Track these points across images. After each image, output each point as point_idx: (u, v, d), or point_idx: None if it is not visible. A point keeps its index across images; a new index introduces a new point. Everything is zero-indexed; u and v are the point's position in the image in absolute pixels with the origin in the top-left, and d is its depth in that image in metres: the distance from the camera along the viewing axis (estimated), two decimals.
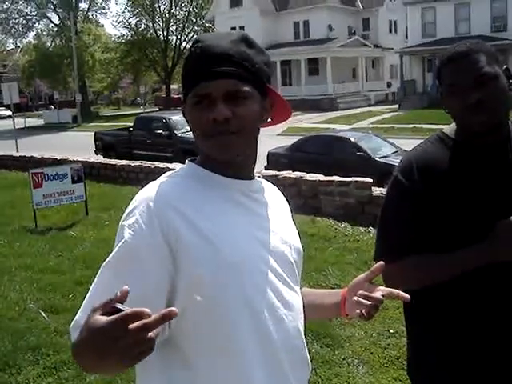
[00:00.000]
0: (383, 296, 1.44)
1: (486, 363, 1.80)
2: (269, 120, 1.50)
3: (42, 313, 5.36)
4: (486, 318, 1.77)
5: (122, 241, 1.30)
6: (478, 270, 1.71)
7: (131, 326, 0.97)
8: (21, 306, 5.57)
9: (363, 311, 1.42)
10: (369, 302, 1.42)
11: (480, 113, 1.70)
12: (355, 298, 1.45)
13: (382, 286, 1.92)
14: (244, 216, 1.42)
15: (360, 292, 1.46)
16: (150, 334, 0.98)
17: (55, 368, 4.33)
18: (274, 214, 1.49)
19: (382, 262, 1.49)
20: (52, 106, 58.37)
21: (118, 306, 1.00)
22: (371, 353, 4.32)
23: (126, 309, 0.99)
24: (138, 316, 0.98)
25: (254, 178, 1.49)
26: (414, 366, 1.98)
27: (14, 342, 4.74)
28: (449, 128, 1.91)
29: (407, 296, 1.44)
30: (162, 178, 1.43)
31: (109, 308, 1.01)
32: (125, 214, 1.35)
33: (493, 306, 1.77)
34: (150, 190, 1.37)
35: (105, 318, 0.99)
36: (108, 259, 1.33)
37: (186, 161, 1.51)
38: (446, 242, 1.77)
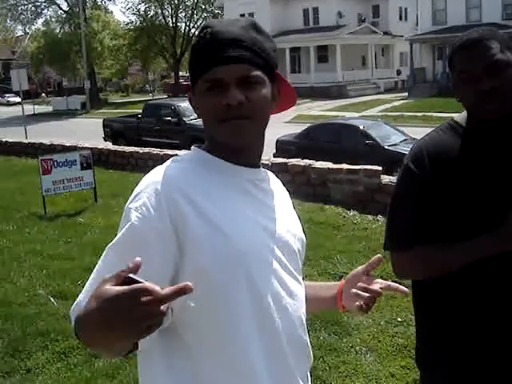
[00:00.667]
0: (381, 289, 1.45)
1: (494, 353, 1.79)
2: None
3: (51, 299, 5.39)
4: (494, 309, 1.77)
5: (129, 223, 1.29)
6: (488, 260, 1.71)
7: (144, 298, 0.95)
8: (30, 292, 5.61)
9: (362, 303, 1.43)
10: (368, 295, 1.43)
11: (492, 100, 1.69)
12: (354, 291, 1.46)
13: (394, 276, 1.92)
14: (251, 204, 1.41)
15: (359, 284, 1.48)
16: (161, 307, 0.97)
17: (64, 353, 4.36)
18: (279, 204, 1.49)
19: (379, 256, 1.52)
20: (43, 94, 58.52)
21: (132, 276, 0.99)
22: (379, 341, 4.32)
23: (140, 280, 0.98)
24: (151, 290, 0.96)
25: (260, 166, 1.49)
26: (422, 355, 1.98)
27: (23, 328, 4.77)
28: (460, 116, 1.89)
29: (406, 290, 1.45)
30: (169, 162, 1.41)
31: (120, 279, 0.99)
32: (131, 197, 1.34)
33: (501, 297, 1.76)
34: (158, 173, 1.35)
35: (117, 288, 0.98)
36: (113, 241, 1.32)
37: (192, 147, 1.50)
38: (456, 230, 1.76)
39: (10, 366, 4.22)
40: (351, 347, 4.22)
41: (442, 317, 1.86)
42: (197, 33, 1.41)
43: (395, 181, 7.11)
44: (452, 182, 1.76)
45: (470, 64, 1.72)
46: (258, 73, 1.35)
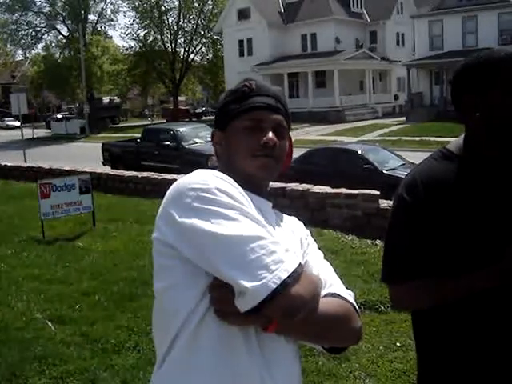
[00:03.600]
0: None
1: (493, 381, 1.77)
2: None
3: (49, 323, 5.36)
4: (494, 339, 1.74)
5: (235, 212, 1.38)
6: (488, 291, 1.69)
7: None
8: (28, 316, 5.57)
9: None
10: None
11: None
12: None
13: (391, 305, 1.92)
14: None
15: None
16: None
17: (61, 378, 4.33)
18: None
19: None
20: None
21: None
22: (378, 366, 4.30)
23: None
24: None
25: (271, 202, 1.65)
26: (423, 382, 1.96)
27: (20, 352, 4.73)
28: (453, 145, 1.87)
29: None
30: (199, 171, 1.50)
31: None
32: (193, 195, 1.40)
33: (501, 328, 1.73)
34: (206, 175, 1.46)
35: None
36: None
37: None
38: (454, 261, 1.73)
39: None
40: (350, 372, 4.20)
41: (441, 346, 1.83)
42: (240, 83, 1.64)
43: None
44: (447, 211, 1.73)
45: None
46: (286, 126, 1.62)
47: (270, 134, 1.54)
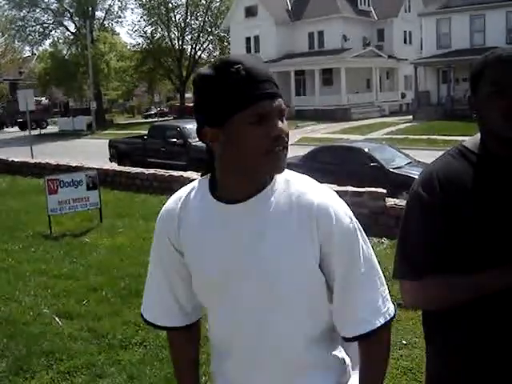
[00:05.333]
0: None
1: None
2: None
3: (56, 318, 5.39)
4: (505, 342, 1.71)
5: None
6: (501, 292, 1.66)
7: None
8: (35, 311, 5.60)
9: None
10: None
11: None
12: None
13: (398, 304, 1.91)
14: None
15: None
16: None
17: (69, 373, 4.35)
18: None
19: None
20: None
21: None
22: None
23: None
24: None
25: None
26: (431, 381, 1.95)
27: (27, 347, 4.76)
28: (469, 142, 1.84)
29: None
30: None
31: None
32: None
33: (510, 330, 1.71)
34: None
35: None
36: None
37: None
38: (469, 260, 1.71)
39: None
40: None
41: (449, 347, 1.82)
42: (221, 68, 1.45)
43: (400, 204, 7.15)
44: (463, 210, 1.71)
45: (506, 77, 1.65)
46: (284, 106, 1.48)
47: (280, 124, 1.45)
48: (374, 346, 1.58)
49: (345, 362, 1.68)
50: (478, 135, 1.82)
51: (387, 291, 1.58)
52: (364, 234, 1.56)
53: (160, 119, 48.04)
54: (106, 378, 4.24)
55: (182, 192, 1.66)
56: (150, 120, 51.07)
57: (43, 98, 56.43)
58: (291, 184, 1.56)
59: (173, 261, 1.66)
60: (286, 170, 1.55)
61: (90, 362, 4.49)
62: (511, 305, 1.68)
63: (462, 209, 1.71)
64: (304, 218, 1.50)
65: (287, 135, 1.47)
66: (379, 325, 1.54)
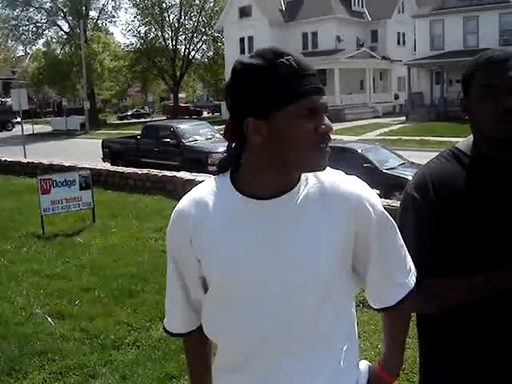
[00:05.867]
0: None
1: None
2: None
3: (49, 318, 5.38)
4: (498, 344, 1.72)
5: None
6: (499, 294, 1.66)
7: None
8: (27, 311, 5.59)
9: None
10: None
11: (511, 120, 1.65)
12: None
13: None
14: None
15: None
16: None
17: (61, 373, 4.35)
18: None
19: None
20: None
21: None
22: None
23: None
24: None
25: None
26: (425, 379, 1.95)
27: (20, 347, 4.76)
28: (462, 144, 1.84)
29: None
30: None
31: None
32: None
33: (506, 333, 1.71)
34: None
35: None
36: None
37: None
38: (464, 263, 1.70)
39: None
40: None
41: (443, 348, 1.82)
42: (271, 58, 1.40)
43: (393, 204, 7.12)
44: (457, 213, 1.71)
45: (495, 79, 1.66)
46: None
47: (327, 121, 1.42)
48: (403, 310, 1.66)
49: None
50: (471, 137, 1.83)
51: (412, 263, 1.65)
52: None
53: (136, 120, 47.73)
54: (99, 378, 4.24)
55: (198, 191, 1.56)
56: (137, 121, 50.94)
57: (9, 99, 53.85)
58: (320, 176, 1.52)
59: (189, 265, 1.57)
60: None
61: (83, 362, 4.49)
62: (509, 306, 1.69)
63: (456, 211, 1.71)
64: (342, 209, 1.49)
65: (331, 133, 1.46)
66: (413, 284, 1.61)
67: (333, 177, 1.53)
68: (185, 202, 1.54)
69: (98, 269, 6.91)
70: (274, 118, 1.39)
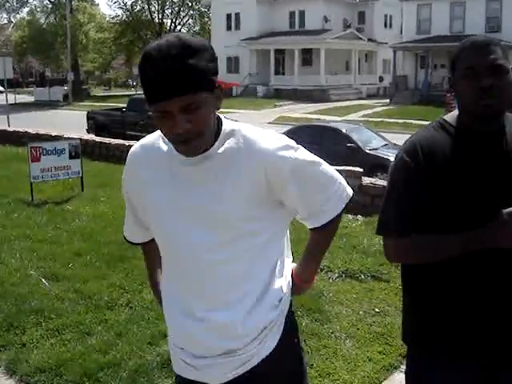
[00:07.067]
0: None
1: (476, 330, 1.97)
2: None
3: (43, 280, 5.55)
4: (476, 298, 1.94)
5: None
6: (474, 254, 1.88)
7: None
8: (22, 273, 5.74)
9: None
10: None
11: (490, 96, 1.88)
12: None
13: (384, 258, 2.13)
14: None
15: None
16: None
17: (57, 330, 4.53)
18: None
19: None
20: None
21: None
22: (358, 328, 4.57)
23: None
24: None
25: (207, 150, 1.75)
26: (410, 333, 2.15)
27: (16, 306, 4.92)
28: (449, 116, 2.07)
29: None
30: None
31: None
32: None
33: (484, 288, 1.93)
34: None
35: None
36: None
37: None
38: (446, 224, 1.92)
39: (5, 340, 4.39)
40: (331, 333, 4.47)
41: (427, 299, 2.03)
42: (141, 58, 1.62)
43: (376, 183, 7.47)
44: (442, 178, 1.93)
45: (477, 61, 1.90)
46: (197, 97, 1.59)
47: (178, 122, 1.61)
48: (332, 226, 1.97)
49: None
50: (457, 111, 2.07)
51: (342, 179, 1.94)
52: (310, 156, 1.87)
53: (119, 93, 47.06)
54: (94, 335, 4.44)
55: (148, 138, 1.90)
56: (120, 94, 50.54)
57: None
58: (242, 134, 1.77)
59: (132, 199, 1.99)
60: (231, 120, 1.84)
61: (78, 320, 4.68)
62: (486, 262, 1.91)
63: (442, 174, 1.94)
64: (251, 162, 1.74)
65: (195, 126, 1.63)
66: (342, 208, 1.94)
67: (253, 135, 1.78)
68: (136, 145, 1.93)
69: (88, 235, 7.08)
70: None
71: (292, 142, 1.82)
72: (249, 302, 1.81)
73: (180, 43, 1.56)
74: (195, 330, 1.82)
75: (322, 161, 1.89)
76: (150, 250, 2.16)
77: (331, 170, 1.91)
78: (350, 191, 1.95)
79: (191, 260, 1.80)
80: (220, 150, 1.75)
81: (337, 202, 1.91)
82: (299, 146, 1.84)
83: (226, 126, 1.78)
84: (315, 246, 2.06)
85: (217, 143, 1.75)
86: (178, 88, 1.55)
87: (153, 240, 2.02)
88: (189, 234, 1.78)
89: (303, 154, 1.83)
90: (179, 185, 1.78)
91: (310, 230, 1.99)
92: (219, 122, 1.77)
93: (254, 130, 1.80)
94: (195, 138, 1.63)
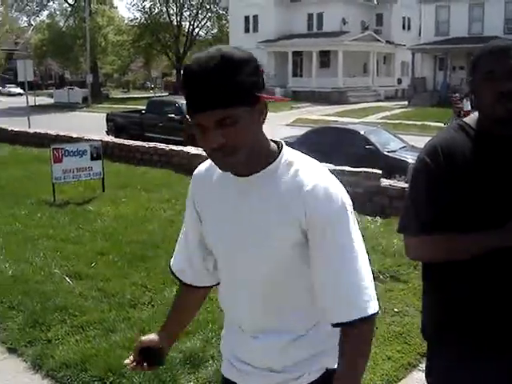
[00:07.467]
0: None
1: (499, 328, 2.01)
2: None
3: (67, 278, 5.66)
4: (504, 295, 1.98)
5: None
6: (494, 254, 1.93)
7: None
8: (46, 272, 5.86)
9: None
10: None
11: (510, 101, 1.92)
12: None
13: (403, 256, 2.19)
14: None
15: None
16: None
17: (82, 327, 4.64)
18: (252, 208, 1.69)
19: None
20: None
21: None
22: (376, 328, 4.61)
23: None
24: None
25: (252, 174, 1.67)
26: (432, 331, 2.18)
27: (41, 303, 5.03)
28: (469, 119, 2.11)
29: None
30: None
31: None
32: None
33: (505, 287, 1.97)
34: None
35: None
36: None
37: None
38: (466, 224, 1.96)
39: (31, 337, 4.50)
40: None
41: (450, 297, 2.06)
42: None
43: (395, 184, 7.51)
44: (464, 179, 1.97)
45: (497, 66, 1.94)
46: (233, 112, 1.51)
47: (212, 137, 1.55)
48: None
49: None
50: (477, 113, 2.11)
51: (372, 285, 1.66)
52: (354, 222, 1.68)
53: (137, 95, 47.61)
54: (118, 332, 4.53)
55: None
56: (139, 96, 50.88)
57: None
58: (295, 163, 1.67)
59: (194, 223, 1.89)
60: (290, 149, 1.70)
61: (102, 318, 4.78)
62: (506, 262, 1.95)
63: (462, 176, 1.98)
64: (292, 197, 1.62)
65: (230, 142, 1.55)
66: (370, 312, 1.63)
67: (301, 167, 1.66)
68: (200, 166, 1.88)
69: (110, 235, 7.19)
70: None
71: (348, 205, 1.67)
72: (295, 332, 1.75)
73: (219, 56, 1.50)
74: (246, 341, 1.81)
75: (361, 252, 1.65)
76: (189, 294, 2.03)
77: (365, 266, 1.66)
78: (374, 306, 1.64)
79: (246, 281, 1.76)
80: (270, 176, 1.66)
81: (364, 299, 1.63)
82: (352, 211, 1.68)
83: (287, 154, 1.68)
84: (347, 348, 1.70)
85: (270, 166, 1.66)
86: (212, 101, 1.50)
87: (199, 289, 2.00)
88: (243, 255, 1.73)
89: (348, 221, 1.66)
90: (231, 206, 1.73)
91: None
92: (279, 147, 1.69)
93: (315, 170, 1.66)
94: (231, 154, 1.56)
